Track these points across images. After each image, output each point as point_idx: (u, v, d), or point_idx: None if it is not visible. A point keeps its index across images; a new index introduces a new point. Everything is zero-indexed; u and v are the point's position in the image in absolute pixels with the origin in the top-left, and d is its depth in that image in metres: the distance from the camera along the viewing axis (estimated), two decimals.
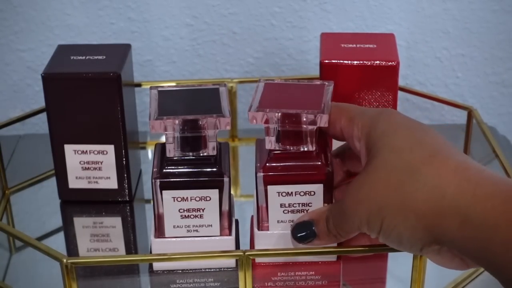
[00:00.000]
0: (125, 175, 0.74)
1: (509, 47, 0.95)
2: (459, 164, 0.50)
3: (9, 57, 0.93)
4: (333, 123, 0.57)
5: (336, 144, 0.63)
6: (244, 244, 0.63)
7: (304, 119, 0.56)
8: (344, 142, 0.60)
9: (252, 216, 0.62)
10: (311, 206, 0.59)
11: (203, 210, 0.60)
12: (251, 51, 0.95)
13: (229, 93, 0.79)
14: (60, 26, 0.92)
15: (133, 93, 0.78)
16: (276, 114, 0.56)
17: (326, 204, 0.58)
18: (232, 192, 0.60)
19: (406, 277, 0.60)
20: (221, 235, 0.61)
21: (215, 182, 0.59)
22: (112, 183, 0.74)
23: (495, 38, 0.95)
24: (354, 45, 0.73)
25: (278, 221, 0.59)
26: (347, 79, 0.71)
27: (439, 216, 0.49)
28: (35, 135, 0.93)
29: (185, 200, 0.59)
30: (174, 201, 0.59)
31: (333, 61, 0.71)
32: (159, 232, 0.60)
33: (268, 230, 0.60)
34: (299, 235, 0.57)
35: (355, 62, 0.71)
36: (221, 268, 0.61)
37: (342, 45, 0.73)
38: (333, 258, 0.61)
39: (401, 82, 0.79)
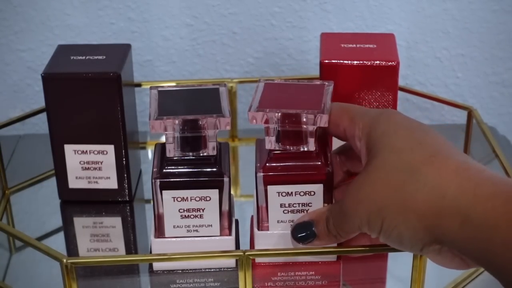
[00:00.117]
0: (125, 175, 0.74)
1: (509, 47, 0.95)
2: (459, 164, 0.50)
3: (9, 57, 0.93)
4: (336, 123, 0.57)
5: (336, 144, 0.63)
6: (244, 244, 0.63)
7: (304, 119, 0.56)
8: (345, 142, 0.60)
9: (252, 216, 0.62)
10: (311, 206, 0.59)
11: (203, 210, 0.60)
12: (251, 51, 0.95)
13: (229, 93, 0.79)
14: (60, 26, 0.92)
15: (133, 93, 0.78)
16: (276, 114, 0.56)
17: (326, 204, 0.58)
18: (232, 192, 0.60)
19: (406, 277, 0.60)
20: (221, 235, 0.61)
21: (215, 182, 0.59)
22: (112, 183, 0.74)
23: (495, 38, 0.95)
24: (354, 45, 0.73)
25: (278, 221, 0.59)
26: (347, 79, 0.71)
27: (439, 216, 0.49)
28: (35, 135, 0.93)
29: (185, 200, 0.59)
30: (174, 201, 0.59)
31: (333, 61, 0.71)
32: (159, 232, 0.60)
33: (268, 230, 0.60)
34: (299, 235, 0.57)
35: (355, 62, 0.71)
36: (221, 268, 0.61)
37: (342, 45, 0.73)
38: (333, 258, 0.61)
39: (401, 82, 0.79)
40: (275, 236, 0.60)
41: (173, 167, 0.59)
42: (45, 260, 0.60)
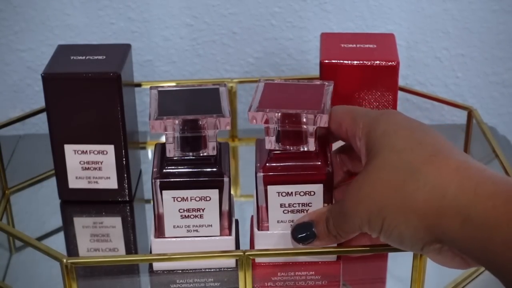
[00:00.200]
0: (125, 175, 0.74)
1: (509, 47, 0.95)
2: (460, 163, 0.50)
3: (9, 57, 0.93)
4: (339, 124, 0.57)
5: (336, 144, 0.63)
6: (244, 244, 0.63)
7: (304, 119, 0.56)
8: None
9: (252, 216, 0.62)
10: (311, 206, 0.59)
11: (203, 210, 0.60)
12: (251, 51, 0.95)
13: (229, 93, 0.79)
14: (60, 26, 0.92)
15: (133, 93, 0.78)
16: (276, 114, 0.56)
17: (326, 204, 0.58)
18: (232, 192, 0.60)
19: (406, 277, 0.60)
20: (221, 235, 0.61)
21: (215, 182, 0.59)
22: (112, 183, 0.74)
23: (495, 38, 0.95)
24: (354, 45, 0.73)
25: (278, 221, 0.59)
26: (347, 79, 0.71)
27: (440, 215, 0.49)
28: (35, 135, 0.93)
29: (185, 200, 0.59)
30: (174, 201, 0.59)
31: (333, 61, 0.71)
32: (159, 232, 0.60)
33: (268, 230, 0.60)
34: (299, 236, 0.57)
35: (355, 62, 0.71)
36: (221, 268, 0.61)
37: (342, 45, 0.73)
38: (333, 258, 0.61)
39: (401, 82, 0.79)
40: (275, 236, 0.60)
41: (173, 167, 0.59)
42: (45, 260, 0.60)
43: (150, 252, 0.62)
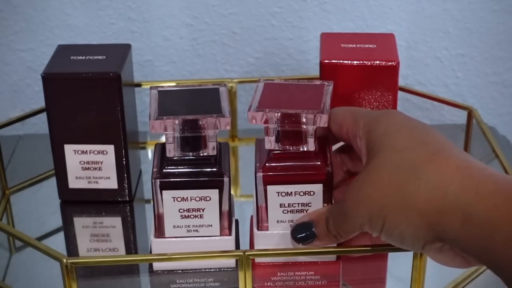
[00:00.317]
0: (125, 175, 0.74)
1: (509, 47, 0.95)
2: (461, 162, 0.50)
3: (9, 57, 0.93)
4: (340, 124, 0.57)
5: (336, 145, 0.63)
6: (244, 244, 0.63)
7: (304, 119, 0.56)
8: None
9: (252, 216, 0.62)
10: (310, 206, 0.59)
11: (203, 210, 0.60)
12: (251, 51, 0.95)
13: (229, 93, 0.79)
14: (60, 26, 0.92)
15: (133, 93, 0.78)
16: (276, 114, 0.56)
17: (325, 204, 0.58)
18: (232, 192, 0.60)
19: (406, 277, 0.60)
20: (221, 235, 0.61)
21: (215, 182, 0.59)
22: (112, 183, 0.74)
23: (495, 38, 0.95)
24: (354, 45, 0.73)
25: (277, 221, 0.59)
26: (347, 79, 0.71)
27: (441, 214, 0.49)
28: (35, 135, 0.93)
29: (185, 200, 0.59)
30: (174, 201, 0.59)
31: (333, 61, 0.71)
32: (159, 232, 0.60)
33: (267, 230, 0.60)
34: (299, 236, 0.57)
35: (355, 62, 0.71)
36: (221, 268, 0.61)
37: (342, 45, 0.73)
38: (332, 258, 0.60)
39: (401, 82, 0.79)
40: (275, 236, 0.60)
41: (173, 167, 0.59)
42: (45, 260, 0.60)
43: (150, 252, 0.62)
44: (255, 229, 0.60)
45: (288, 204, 0.59)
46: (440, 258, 0.53)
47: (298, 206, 0.59)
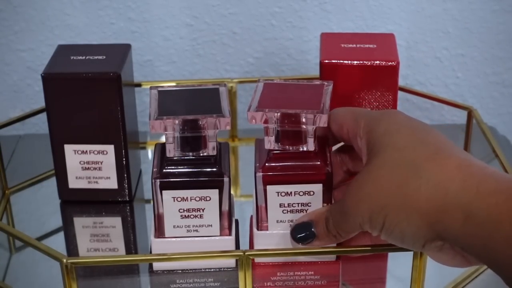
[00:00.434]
0: (125, 175, 0.74)
1: (509, 47, 0.95)
2: (462, 161, 0.50)
3: (9, 57, 0.93)
4: (340, 125, 0.57)
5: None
6: (244, 244, 0.63)
7: (304, 119, 0.56)
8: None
9: (252, 216, 0.62)
10: (310, 206, 0.59)
11: (203, 210, 0.60)
12: (251, 51, 0.95)
13: (229, 93, 0.79)
14: (60, 26, 0.92)
15: (133, 93, 0.78)
16: (276, 114, 0.56)
17: (325, 204, 0.58)
18: (232, 192, 0.60)
19: (406, 277, 0.60)
20: (221, 235, 0.61)
21: (215, 182, 0.59)
22: (112, 183, 0.74)
23: (495, 38, 0.95)
24: (354, 45, 0.73)
25: (277, 221, 0.59)
26: (347, 79, 0.71)
27: (442, 212, 0.49)
28: (35, 135, 0.93)
29: (185, 200, 0.59)
30: (174, 201, 0.59)
31: (333, 61, 0.71)
32: (159, 232, 0.60)
33: (267, 230, 0.60)
34: (298, 236, 0.57)
35: (355, 62, 0.71)
36: (221, 268, 0.61)
37: (342, 45, 0.73)
38: (332, 258, 0.61)
39: (401, 82, 0.79)
40: (275, 236, 0.60)
41: (173, 167, 0.59)
42: (45, 260, 0.60)
43: (150, 252, 0.62)
44: (255, 229, 0.60)
45: (288, 204, 0.59)
46: (440, 257, 0.53)
47: (298, 206, 0.59)
